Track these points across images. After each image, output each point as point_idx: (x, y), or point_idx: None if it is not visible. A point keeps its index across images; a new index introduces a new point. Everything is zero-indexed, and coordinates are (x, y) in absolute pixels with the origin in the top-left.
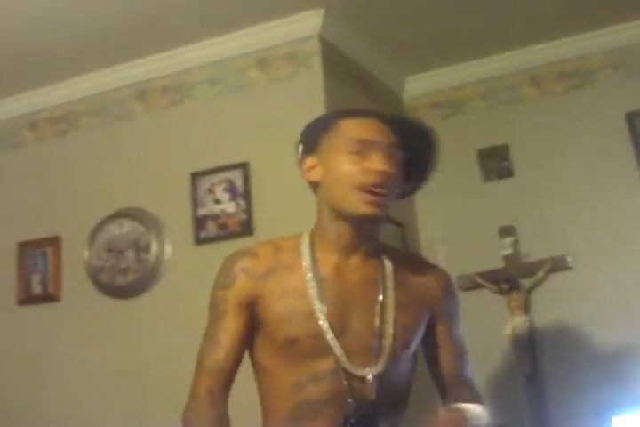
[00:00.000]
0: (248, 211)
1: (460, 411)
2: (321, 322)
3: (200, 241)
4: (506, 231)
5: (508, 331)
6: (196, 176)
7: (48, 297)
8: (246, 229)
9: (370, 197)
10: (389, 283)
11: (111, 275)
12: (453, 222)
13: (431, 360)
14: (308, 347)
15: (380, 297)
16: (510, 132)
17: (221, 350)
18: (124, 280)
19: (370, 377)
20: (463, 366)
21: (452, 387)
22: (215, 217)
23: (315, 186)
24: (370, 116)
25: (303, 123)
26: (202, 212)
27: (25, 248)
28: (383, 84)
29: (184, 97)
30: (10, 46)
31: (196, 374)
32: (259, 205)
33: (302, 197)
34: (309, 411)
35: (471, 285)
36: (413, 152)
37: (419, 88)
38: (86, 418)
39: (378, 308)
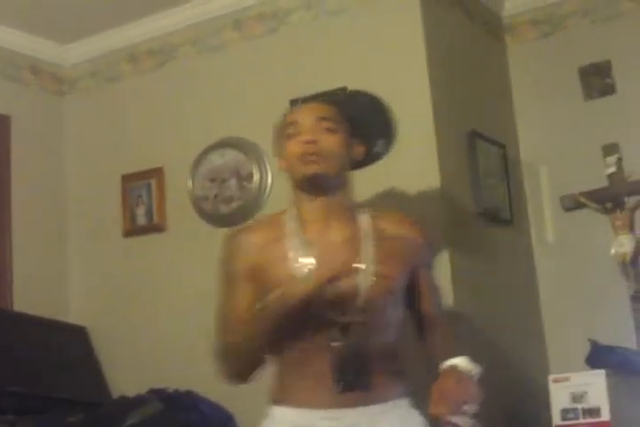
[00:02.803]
0: None
1: (457, 376)
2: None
3: None
4: (609, 149)
5: (612, 250)
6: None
7: (153, 228)
8: None
9: (305, 160)
10: (368, 240)
11: (215, 204)
12: (555, 142)
13: (411, 304)
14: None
15: (360, 253)
16: (612, 49)
17: (241, 314)
18: (228, 209)
19: (347, 322)
20: (438, 306)
21: (429, 326)
22: None
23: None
24: (307, 102)
25: (400, 46)
26: None
27: (129, 180)
28: (481, 2)
29: (280, 24)
30: None
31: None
32: None
33: (401, 121)
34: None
35: (574, 204)
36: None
37: (517, 6)
38: (189, 345)
39: (358, 263)
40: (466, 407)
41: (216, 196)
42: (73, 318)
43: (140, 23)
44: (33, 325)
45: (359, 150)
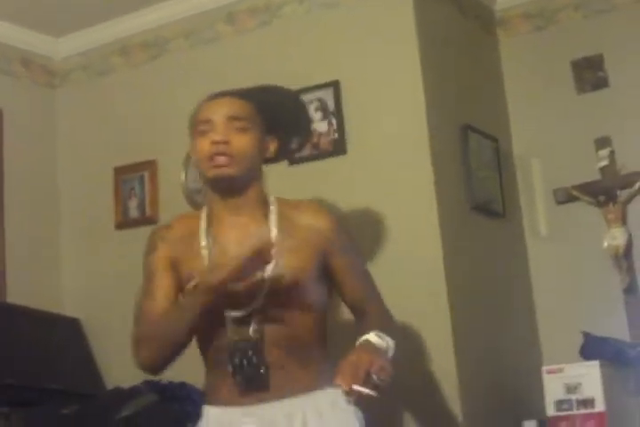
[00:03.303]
0: (340, 130)
1: (365, 348)
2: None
3: (294, 161)
4: (602, 143)
5: (605, 243)
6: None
7: (146, 220)
8: (339, 148)
9: (213, 163)
10: (273, 231)
11: None
12: (548, 135)
13: (340, 292)
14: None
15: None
16: (605, 42)
17: (156, 304)
18: None
19: (242, 315)
20: (366, 290)
21: (361, 311)
22: None
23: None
24: (216, 97)
25: (393, 40)
26: None
27: (121, 173)
28: None
29: (273, 17)
30: None
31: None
32: (351, 124)
33: (393, 115)
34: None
35: (567, 198)
36: (279, 113)
37: (509, 0)
38: None
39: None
40: (373, 377)
41: (204, 184)
42: (66, 309)
43: (132, 16)
44: (26, 317)
45: (272, 147)
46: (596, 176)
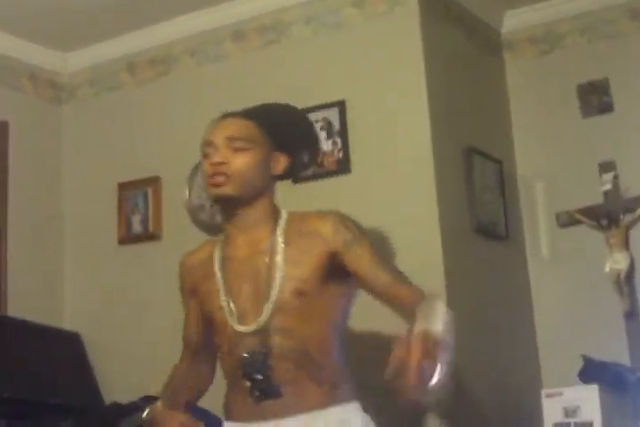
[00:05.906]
0: (345, 149)
1: (424, 342)
2: (222, 298)
3: (297, 180)
4: (606, 167)
5: (607, 267)
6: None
7: (149, 236)
8: (343, 167)
9: (212, 181)
10: (279, 246)
11: (211, 213)
12: (552, 159)
13: (365, 287)
14: (220, 317)
15: (267, 260)
16: (610, 67)
17: (188, 327)
18: None
19: (251, 330)
20: (387, 274)
21: (393, 297)
22: None
23: None
24: (219, 119)
25: (399, 61)
26: None
27: (125, 189)
28: (480, 20)
29: (280, 36)
30: None
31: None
32: (355, 144)
33: (398, 135)
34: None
35: (570, 221)
36: (286, 129)
37: (516, 24)
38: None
39: (267, 270)
40: (432, 381)
41: (212, 205)
42: (67, 324)
43: (140, 33)
44: (27, 330)
45: (282, 163)
46: (600, 199)
